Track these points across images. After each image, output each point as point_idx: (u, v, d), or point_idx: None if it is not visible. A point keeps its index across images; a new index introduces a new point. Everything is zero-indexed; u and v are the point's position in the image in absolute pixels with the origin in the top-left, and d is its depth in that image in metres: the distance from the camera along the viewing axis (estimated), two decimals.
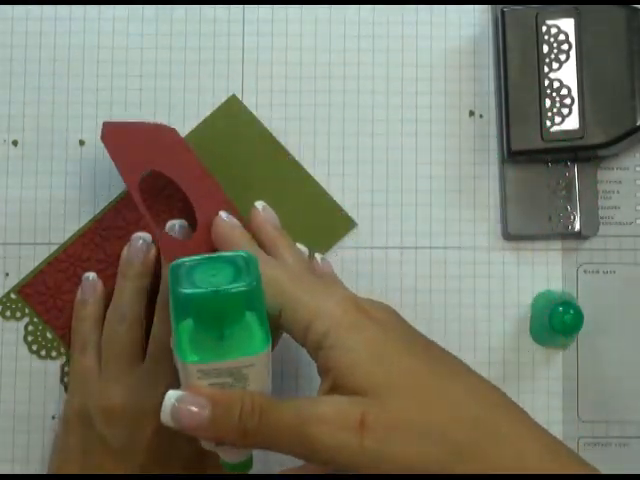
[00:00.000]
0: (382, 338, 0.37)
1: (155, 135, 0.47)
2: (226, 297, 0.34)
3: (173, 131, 0.48)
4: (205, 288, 0.34)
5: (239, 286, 0.35)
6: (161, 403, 0.35)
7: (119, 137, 0.45)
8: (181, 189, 0.45)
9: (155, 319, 0.44)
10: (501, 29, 0.48)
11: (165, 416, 0.35)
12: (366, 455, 0.34)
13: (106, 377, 0.44)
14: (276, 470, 0.48)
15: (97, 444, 0.42)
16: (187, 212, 0.46)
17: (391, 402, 0.35)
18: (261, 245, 0.42)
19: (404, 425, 0.35)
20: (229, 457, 0.38)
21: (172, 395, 0.34)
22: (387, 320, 0.38)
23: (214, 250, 0.43)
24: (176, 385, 0.37)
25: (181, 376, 0.36)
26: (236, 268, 0.36)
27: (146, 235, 0.47)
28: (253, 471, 0.48)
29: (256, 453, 0.48)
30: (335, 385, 0.36)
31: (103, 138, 0.44)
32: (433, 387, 0.36)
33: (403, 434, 0.34)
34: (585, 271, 0.49)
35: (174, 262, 0.36)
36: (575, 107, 0.47)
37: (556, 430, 0.48)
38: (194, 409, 0.34)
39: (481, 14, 0.50)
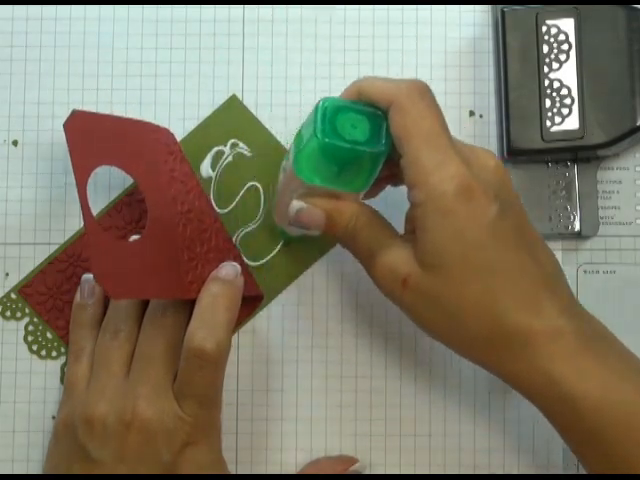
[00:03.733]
0: (470, 227, 0.39)
1: (129, 131, 0.46)
2: (360, 153, 0.40)
3: (159, 131, 0.48)
4: (345, 142, 0.39)
5: (374, 148, 0.40)
6: (140, 413, 0.41)
7: (84, 126, 0.44)
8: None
9: (141, 335, 0.44)
10: (501, 29, 0.48)
11: (290, 219, 0.43)
12: (404, 305, 0.41)
13: (93, 388, 0.44)
14: (276, 471, 0.48)
15: (79, 454, 0.42)
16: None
17: (437, 275, 0.39)
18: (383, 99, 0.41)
19: (434, 300, 0.40)
20: (295, 233, 0.45)
21: (296, 205, 0.42)
22: (488, 212, 0.39)
23: (152, 258, 0.43)
24: (154, 396, 0.42)
25: (288, 184, 0.42)
26: (373, 125, 0.40)
27: None
28: (252, 471, 0.48)
29: (256, 455, 0.48)
30: (410, 235, 0.41)
31: (65, 124, 0.43)
32: (495, 260, 0.39)
33: (430, 306, 0.40)
34: (585, 271, 0.49)
35: (326, 98, 0.40)
36: (575, 107, 0.47)
37: None
38: (313, 218, 0.42)
39: (481, 14, 0.50)
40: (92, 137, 0.44)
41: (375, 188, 0.44)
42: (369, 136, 0.40)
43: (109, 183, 0.49)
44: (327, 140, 0.39)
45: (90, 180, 0.43)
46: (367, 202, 0.43)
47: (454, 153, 0.39)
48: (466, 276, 0.39)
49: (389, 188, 0.45)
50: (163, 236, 0.44)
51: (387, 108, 0.40)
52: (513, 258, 0.39)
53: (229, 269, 0.44)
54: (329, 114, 0.40)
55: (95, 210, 0.48)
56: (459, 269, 0.39)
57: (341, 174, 0.41)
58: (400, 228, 0.42)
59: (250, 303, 0.47)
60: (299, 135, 0.41)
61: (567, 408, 0.39)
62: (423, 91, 0.40)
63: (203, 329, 0.42)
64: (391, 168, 0.42)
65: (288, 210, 0.42)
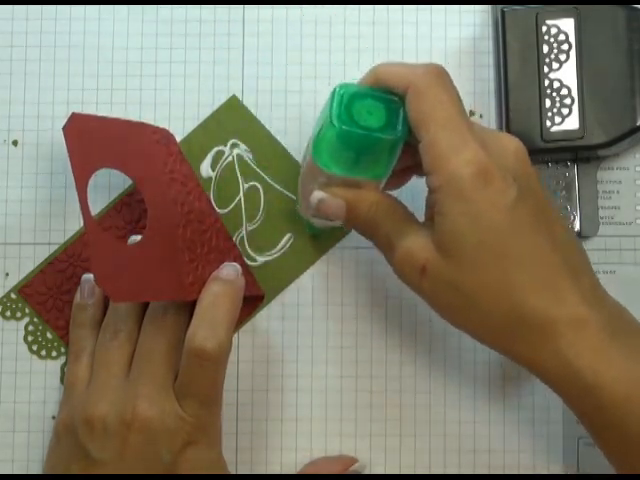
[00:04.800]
0: (487, 212, 0.38)
1: (128, 133, 0.46)
2: (376, 140, 0.40)
3: (158, 132, 0.48)
4: (361, 129, 0.40)
5: (390, 134, 0.40)
6: (140, 413, 0.41)
7: (83, 129, 0.44)
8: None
9: (142, 335, 0.44)
10: (501, 29, 0.48)
11: (311, 210, 0.43)
12: (424, 293, 0.41)
13: (93, 388, 0.44)
14: (276, 471, 0.48)
15: (80, 455, 0.42)
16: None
17: (454, 261, 0.39)
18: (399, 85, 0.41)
19: (452, 286, 0.39)
20: (319, 224, 0.45)
21: (317, 195, 0.42)
22: (506, 197, 0.38)
23: (153, 260, 0.43)
24: (155, 395, 0.42)
25: (308, 174, 0.42)
26: (389, 112, 0.40)
27: None
28: (252, 471, 0.48)
29: (256, 455, 0.48)
30: (430, 222, 0.40)
31: (65, 128, 0.43)
32: (513, 245, 0.39)
33: (448, 292, 0.40)
34: None
35: (343, 84, 0.40)
36: (575, 107, 0.47)
37: (556, 430, 0.48)
38: (334, 208, 0.42)
39: (481, 14, 0.50)
40: (91, 140, 0.44)
41: (400, 178, 0.44)
42: (385, 122, 0.40)
43: (109, 183, 0.49)
44: (343, 127, 0.39)
45: (90, 181, 0.43)
46: (394, 193, 0.43)
47: (472, 137, 0.38)
48: (483, 262, 0.38)
49: (415, 179, 0.45)
50: (163, 238, 0.44)
51: (404, 93, 0.40)
52: (530, 243, 0.39)
53: (230, 269, 0.44)
54: (345, 101, 0.40)
55: (95, 210, 0.48)
56: (476, 254, 0.38)
57: (359, 162, 0.41)
58: (423, 218, 0.42)
59: (251, 303, 0.47)
60: (318, 123, 0.41)
61: (590, 399, 0.38)
62: (440, 74, 0.39)
63: (204, 329, 0.42)
64: (415, 157, 0.41)
65: (309, 200, 0.42)
